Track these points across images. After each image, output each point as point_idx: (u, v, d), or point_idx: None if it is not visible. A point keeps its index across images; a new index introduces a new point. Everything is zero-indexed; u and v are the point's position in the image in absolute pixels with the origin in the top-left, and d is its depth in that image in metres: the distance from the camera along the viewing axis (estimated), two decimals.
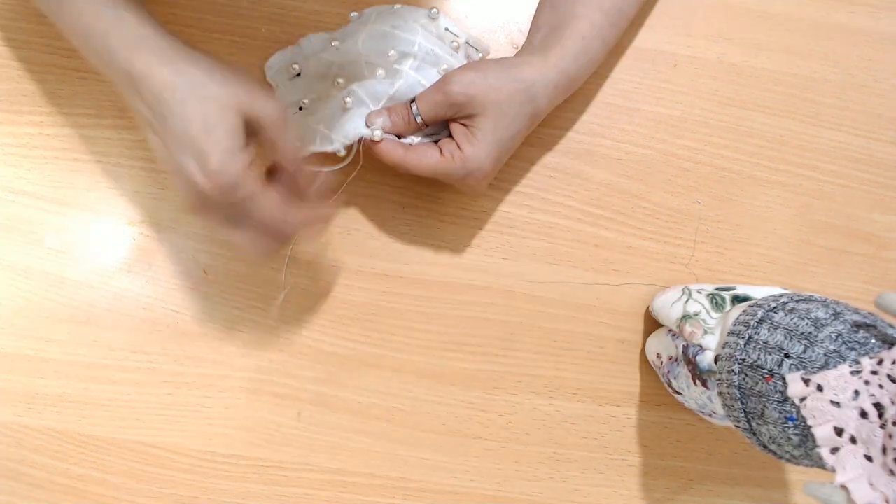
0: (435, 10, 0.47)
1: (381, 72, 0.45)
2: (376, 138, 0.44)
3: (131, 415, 0.48)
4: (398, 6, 0.47)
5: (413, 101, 0.44)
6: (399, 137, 0.45)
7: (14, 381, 0.47)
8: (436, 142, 0.45)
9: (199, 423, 0.48)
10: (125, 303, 0.49)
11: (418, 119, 0.44)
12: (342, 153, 0.45)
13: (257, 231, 0.38)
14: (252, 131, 0.38)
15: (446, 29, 0.48)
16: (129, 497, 0.47)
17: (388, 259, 0.50)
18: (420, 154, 0.43)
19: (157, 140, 0.38)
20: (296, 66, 0.47)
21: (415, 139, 0.45)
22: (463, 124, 0.44)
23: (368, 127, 0.44)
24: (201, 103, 0.36)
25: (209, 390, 0.48)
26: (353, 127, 0.44)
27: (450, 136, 0.45)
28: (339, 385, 0.49)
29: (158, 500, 0.47)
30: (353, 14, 0.48)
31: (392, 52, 0.45)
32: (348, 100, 0.45)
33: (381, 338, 0.50)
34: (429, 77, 0.46)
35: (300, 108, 0.47)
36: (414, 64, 0.46)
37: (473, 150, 0.42)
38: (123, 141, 0.49)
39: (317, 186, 0.41)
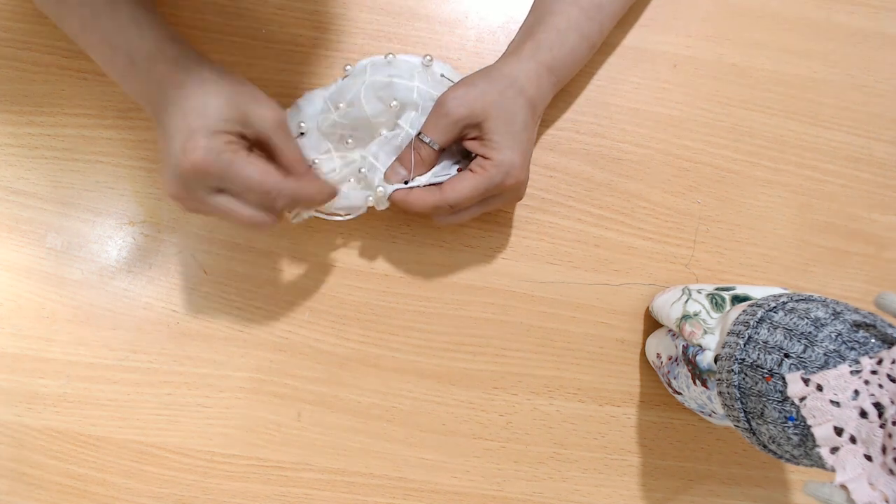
0: (428, 56, 0.47)
1: (383, 131, 0.45)
2: (384, 195, 0.44)
3: (131, 415, 0.48)
4: (391, 56, 0.47)
5: (419, 134, 0.44)
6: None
7: (14, 381, 0.47)
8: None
9: (199, 423, 0.48)
10: (125, 303, 0.49)
11: (434, 147, 0.44)
12: (363, 211, 0.46)
13: (246, 197, 0.39)
14: (258, 136, 0.40)
15: (441, 75, 0.47)
16: (129, 497, 0.47)
17: (388, 259, 0.50)
18: (454, 184, 0.43)
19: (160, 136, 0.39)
20: (303, 125, 0.46)
21: (435, 179, 0.45)
22: (475, 138, 0.44)
23: (386, 184, 0.45)
24: (203, 98, 0.38)
25: (209, 390, 0.48)
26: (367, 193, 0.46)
27: (460, 164, 0.46)
28: (339, 385, 0.49)
29: (158, 500, 0.47)
30: (348, 67, 0.47)
31: (394, 102, 0.45)
32: (362, 170, 0.45)
33: (381, 338, 0.50)
34: None
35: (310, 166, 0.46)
36: (417, 116, 0.45)
37: (498, 153, 0.43)
38: (123, 141, 0.49)
39: (323, 189, 0.42)
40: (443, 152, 0.45)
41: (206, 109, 0.37)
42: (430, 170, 0.45)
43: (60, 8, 0.43)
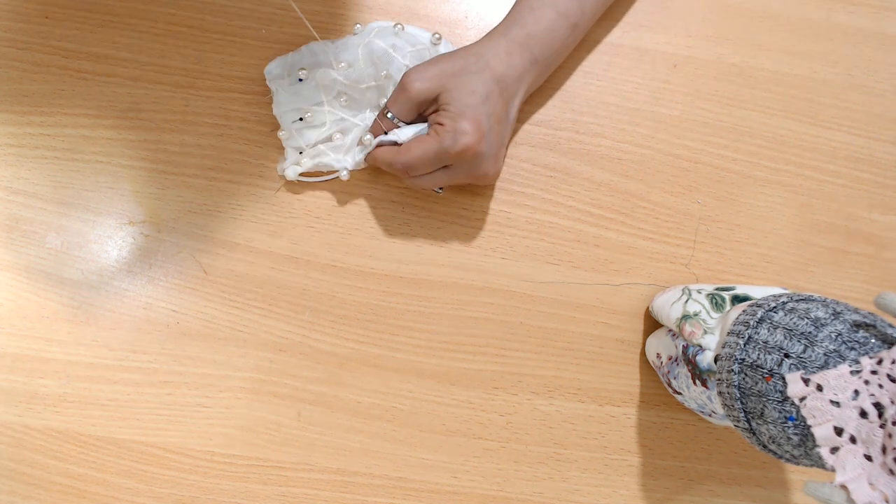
0: (437, 34, 0.49)
1: (383, 101, 0.47)
2: (370, 146, 0.47)
3: (131, 415, 0.48)
4: (399, 27, 0.48)
5: (385, 108, 0.46)
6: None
7: (14, 381, 0.47)
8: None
9: (198, 423, 0.48)
10: (125, 303, 0.49)
11: (396, 122, 0.46)
12: (346, 178, 0.49)
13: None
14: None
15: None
16: (129, 497, 0.47)
17: (388, 259, 0.50)
18: (409, 146, 0.45)
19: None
20: (303, 72, 0.47)
21: (403, 133, 0.47)
22: (435, 111, 0.45)
23: (362, 145, 0.47)
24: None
25: (209, 390, 0.48)
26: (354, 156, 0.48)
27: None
28: (339, 385, 0.49)
29: (158, 500, 0.47)
30: (357, 26, 0.49)
31: (384, 72, 0.47)
32: (365, 137, 0.47)
33: (381, 338, 0.50)
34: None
35: (300, 119, 0.47)
36: None
37: (450, 120, 0.44)
38: (123, 141, 0.49)
39: None
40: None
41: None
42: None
43: None
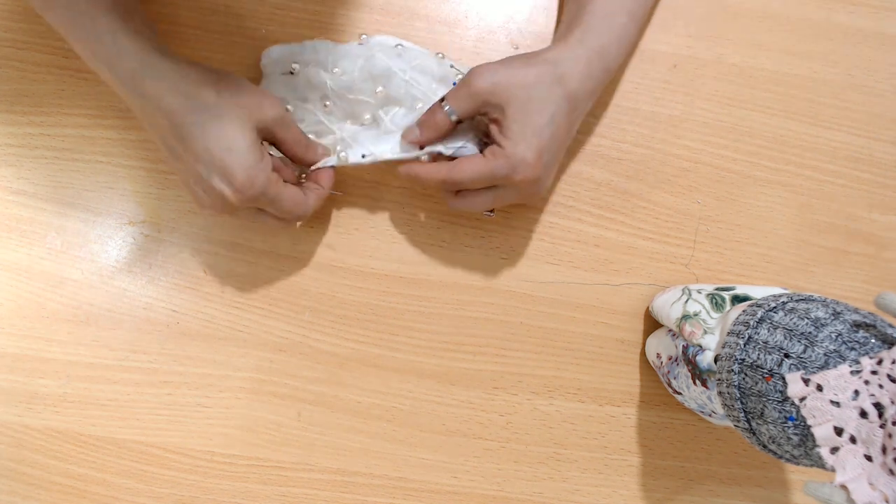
0: (440, 54, 0.48)
1: (367, 117, 0.47)
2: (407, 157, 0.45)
3: (131, 415, 0.48)
4: (401, 46, 0.47)
5: (443, 100, 0.43)
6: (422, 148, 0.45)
7: (14, 381, 0.47)
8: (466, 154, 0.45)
9: (199, 423, 0.48)
10: (125, 303, 0.49)
11: (453, 118, 0.42)
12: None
13: (277, 216, 0.43)
14: (265, 135, 0.42)
15: (451, 66, 0.47)
16: (129, 497, 0.47)
17: (388, 259, 0.50)
18: (463, 163, 0.42)
19: (175, 158, 0.40)
20: (295, 66, 0.47)
21: (445, 150, 0.45)
22: (495, 120, 0.42)
23: (405, 144, 0.45)
24: (218, 123, 0.38)
25: (209, 390, 0.48)
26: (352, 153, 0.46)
27: (481, 144, 0.45)
28: (339, 385, 0.49)
29: (158, 500, 0.47)
30: (363, 36, 0.48)
31: (380, 89, 0.45)
32: (339, 148, 0.46)
33: (381, 338, 0.50)
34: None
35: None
36: (400, 112, 0.46)
37: (511, 143, 0.41)
38: (123, 141, 0.49)
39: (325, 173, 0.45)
40: (462, 126, 0.44)
41: (229, 142, 0.39)
42: (441, 137, 0.44)
43: (46, 13, 0.42)
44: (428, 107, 0.44)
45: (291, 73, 0.47)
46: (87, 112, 0.49)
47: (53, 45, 0.50)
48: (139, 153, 0.49)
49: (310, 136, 0.47)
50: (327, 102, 0.47)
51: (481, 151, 0.44)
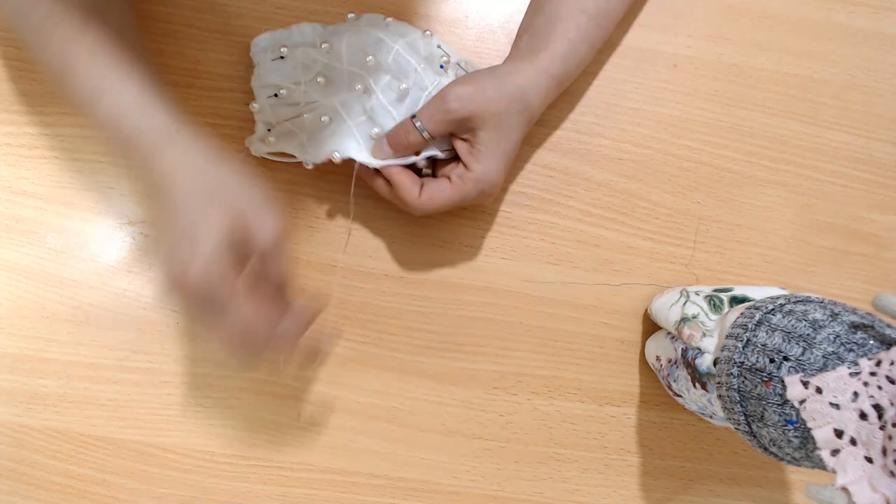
0: (428, 31, 0.49)
1: (359, 86, 0.46)
2: (373, 165, 0.45)
3: (131, 415, 0.48)
4: (390, 19, 0.48)
5: (414, 116, 0.44)
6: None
7: (14, 381, 0.47)
8: (438, 159, 0.46)
9: (199, 423, 0.48)
10: (125, 303, 0.49)
11: (425, 134, 0.44)
12: (309, 167, 0.46)
13: (230, 334, 0.36)
14: (246, 242, 0.36)
15: (438, 46, 0.48)
16: (129, 497, 0.47)
17: (388, 259, 0.50)
18: (432, 193, 0.44)
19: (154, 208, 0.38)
20: (284, 49, 0.47)
21: (421, 159, 0.46)
22: (465, 140, 0.44)
23: (375, 158, 0.45)
24: (199, 206, 0.35)
25: (209, 390, 0.48)
26: (329, 147, 0.46)
27: (454, 153, 0.45)
28: (339, 385, 0.49)
29: (158, 500, 0.47)
30: (350, 15, 0.49)
31: (370, 58, 0.46)
32: (324, 118, 0.46)
33: (380, 338, 0.50)
34: (398, 108, 0.46)
35: (275, 95, 0.47)
36: (390, 82, 0.46)
37: (482, 167, 0.43)
38: None
39: (300, 307, 0.39)
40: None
41: (200, 226, 0.35)
42: (412, 152, 0.45)
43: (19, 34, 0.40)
44: (412, 88, 0.46)
45: (282, 57, 0.48)
46: None
47: None
48: None
49: (304, 115, 0.46)
50: (320, 79, 0.47)
51: (445, 153, 0.46)
